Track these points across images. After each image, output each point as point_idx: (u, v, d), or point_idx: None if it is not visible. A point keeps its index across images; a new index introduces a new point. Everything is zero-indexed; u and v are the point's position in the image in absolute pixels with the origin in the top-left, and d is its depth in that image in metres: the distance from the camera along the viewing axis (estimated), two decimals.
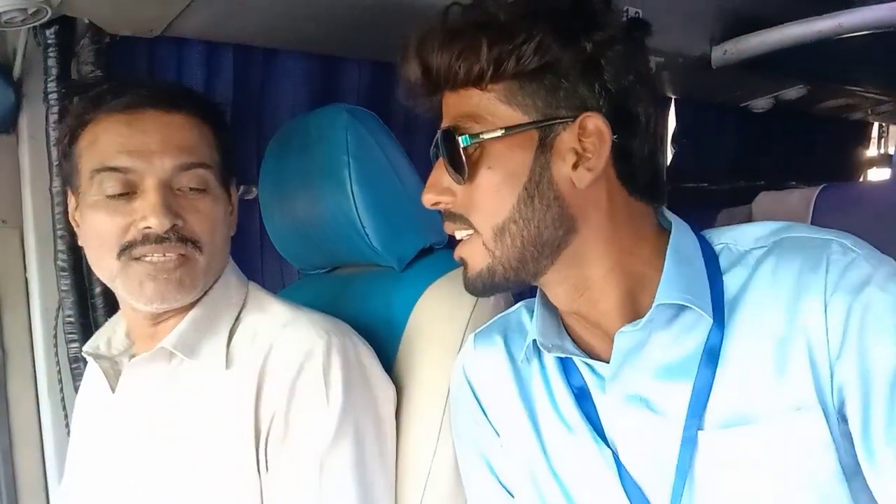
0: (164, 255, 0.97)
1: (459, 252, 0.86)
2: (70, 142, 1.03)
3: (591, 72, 0.79)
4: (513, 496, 0.94)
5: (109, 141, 0.98)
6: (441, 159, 0.83)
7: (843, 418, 0.74)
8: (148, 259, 0.97)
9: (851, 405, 0.73)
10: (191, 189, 1.00)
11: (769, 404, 0.75)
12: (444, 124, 0.83)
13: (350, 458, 0.97)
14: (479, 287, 0.85)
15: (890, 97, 2.58)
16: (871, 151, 3.44)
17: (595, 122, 0.79)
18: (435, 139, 0.84)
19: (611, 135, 0.79)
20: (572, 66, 0.79)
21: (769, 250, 0.80)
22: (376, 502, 1.01)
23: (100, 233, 0.99)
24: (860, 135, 3.26)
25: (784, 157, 2.72)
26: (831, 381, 0.73)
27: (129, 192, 0.98)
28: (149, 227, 0.96)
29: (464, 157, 0.80)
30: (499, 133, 0.79)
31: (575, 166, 0.79)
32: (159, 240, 0.97)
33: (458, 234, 0.86)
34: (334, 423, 0.96)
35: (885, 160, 3.47)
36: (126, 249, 0.97)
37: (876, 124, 3.39)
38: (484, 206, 0.81)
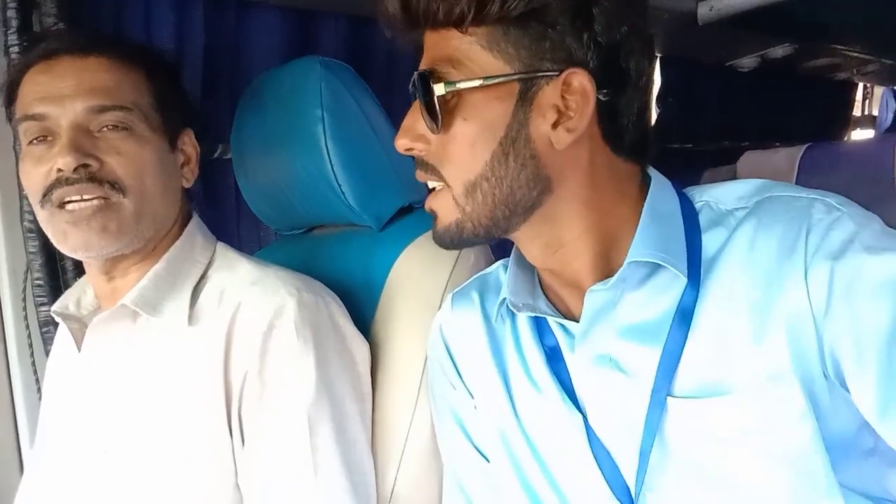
0: (82, 198, 0.94)
1: (430, 203, 0.82)
2: (8, 103, 1.01)
3: (580, 22, 0.74)
4: (487, 460, 0.93)
5: (28, 91, 0.97)
6: (416, 103, 0.78)
7: (840, 382, 0.71)
8: (69, 207, 0.94)
9: (849, 365, 0.69)
10: (110, 130, 0.97)
11: (743, 373, 0.72)
12: (422, 66, 0.78)
13: (329, 415, 0.95)
14: (447, 241, 0.82)
15: (875, 57, 2.57)
16: (856, 112, 3.44)
17: (580, 80, 0.74)
18: (413, 78, 0.79)
19: (595, 94, 0.75)
20: (561, 14, 0.73)
21: (751, 211, 0.77)
22: (359, 461, 0.99)
23: (28, 183, 0.98)
24: (845, 95, 3.25)
25: (769, 118, 2.70)
26: (820, 346, 0.70)
27: (47, 139, 0.96)
28: (61, 170, 0.94)
29: (438, 106, 0.75)
30: (477, 83, 0.74)
31: (555, 125, 0.75)
32: (71, 181, 0.94)
33: (430, 184, 0.82)
34: (313, 378, 0.95)
35: (870, 121, 3.48)
36: (46, 195, 0.95)
37: (861, 85, 3.39)
38: (456, 160, 0.77)
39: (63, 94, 0.95)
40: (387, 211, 1.18)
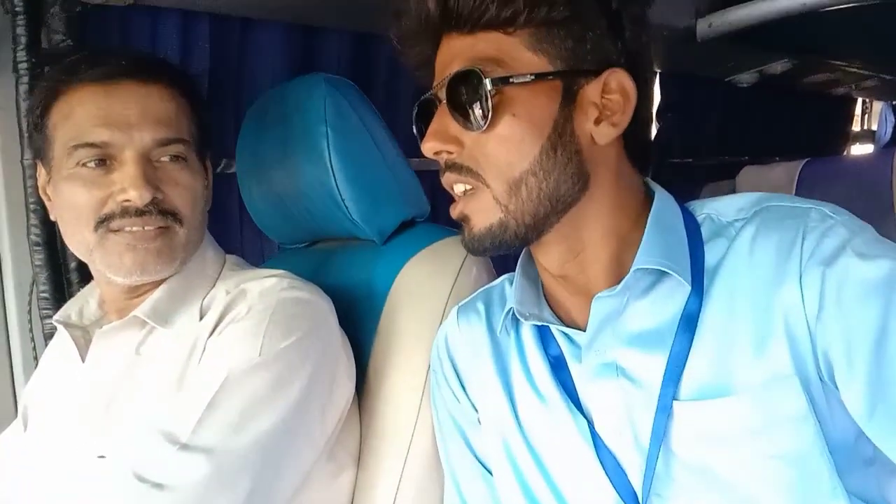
0: (144, 228, 0.97)
1: (462, 208, 0.82)
2: (42, 113, 1.00)
3: (615, 28, 0.78)
4: (490, 472, 0.94)
5: (86, 113, 0.96)
6: (444, 107, 0.79)
7: (834, 385, 0.72)
8: (127, 230, 0.96)
9: (839, 367, 0.71)
10: (170, 161, 0.99)
11: (746, 376, 0.74)
12: (457, 67, 0.79)
13: (253, 391, 0.90)
14: (487, 244, 0.81)
15: (874, 72, 2.58)
16: (855, 127, 3.46)
17: (619, 79, 0.78)
18: (434, 86, 0.80)
19: (635, 92, 0.78)
20: (598, 19, 0.78)
21: (749, 221, 0.79)
22: (272, 448, 0.91)
23: (75, 205, 0.97)
24: (844, 111, 3.27)
25: (769, 132, 2.72)
26: (814, 349, 0.72)
27: (106, 164, 0.96)
28: (128, 201, 0.95)
29: (488, 102, 0.76)
30: (529, 78, 0.76)
31: (597, 122, 0.78)
32: (139, 213, 0.96)
33: (459, 188, 0.82)
34: (256, 354, 0.91)
35: (869, 136, 3.49)
36: (104, 222, 0.96)
37: (860, 100, 3.40)
38: (501, 158, 0.78)
39: (129, 121, 0.95)
40: (389, 224, 1.19)
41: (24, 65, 1.22)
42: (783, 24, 1.72)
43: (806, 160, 1.94)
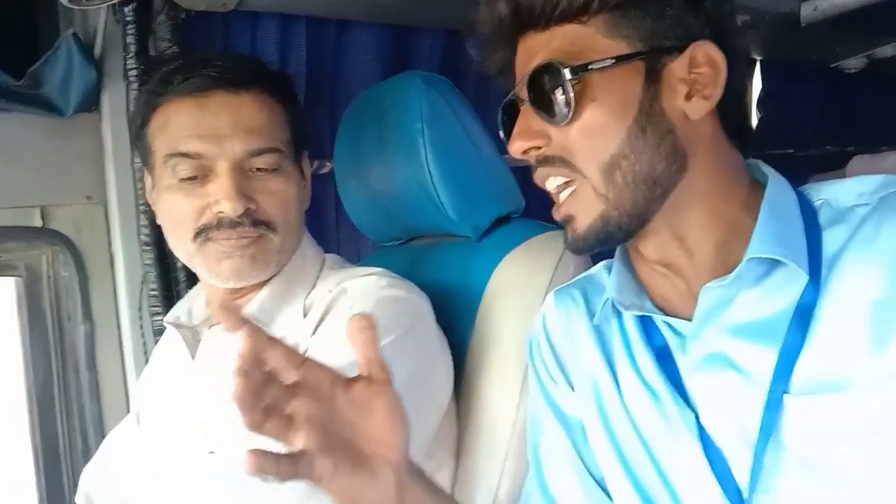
0: (238, 239, 1.00)
1: (565, 210, 0.80)
2: (142, 124, 1.04)
3: (693, 0, 0.77)
4: (581, 458, 0.92)
5: (180, 125, 0.99)
6: (527, 106, 0.79)
7: None
8: (223, 237, 0.99)
9: None
10: (263, 170, 1.01)
11: (864, 371, 0.70)
12: (535, 64, 0.78)
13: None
14: (592, 241, 0.79)
15: None
16: None
17: (706, 51, 0.76)
18: (516, 86, 0.80)
19: (725, 62, 0.76)
20: None
21: (874, 208, 0.74)
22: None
23: (175, 215, 1.01)
24: None
25: (877, 122, 2.58)
26: None
27: (201, 175, 0.99)
28: (222, 212, 0.98)
29: (569, 92, 0.75)
30: (608, 63, 0.75)
31: (688, 97, 0.76)
32: (233, 224, 0.99)
33: (553, 183, 0.81)
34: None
35: None
36: (201, 232, 1.00)
37: None
38: (590, 142, 0.76)
39: (221, 133, 0.98)
40: (484, 221, 1.19)
41: (134, 72, 1.29)
42: (893, 5, 1.63)
43: None
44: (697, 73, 0.76)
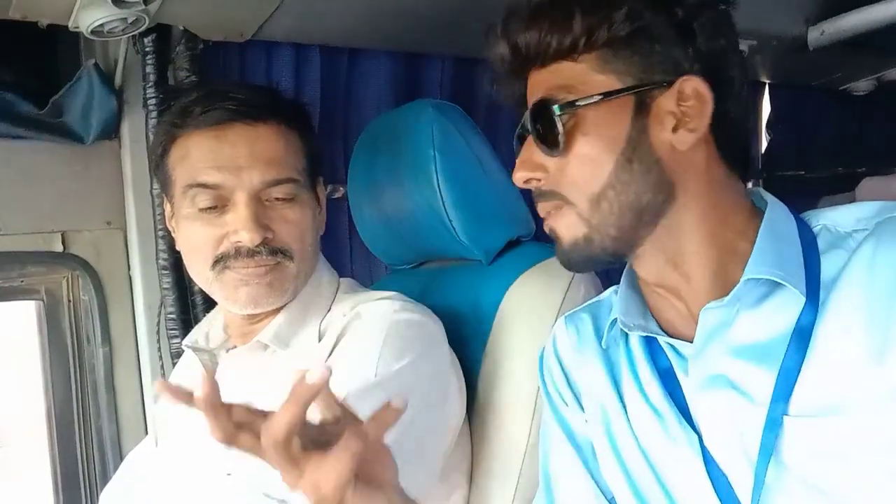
0: (257, 267, 1.02)
1: (550, 223, 0.84)
2: (162, 154, 1.07)
3: (683, 35, 0.78)
4: (594, 477, 0.93)
5: (199, 157, 1.02)
6: (531, 137, 0.82)
7: None
8: (240, 265, 1.01)
9: None
10: (280, 199, 1.03)
11: (863, 391, 0.71)
12: (535, 99, 0.82)
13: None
14: (575, 259, 0.83)
15: None
16: None
17: (693, 85, 0.78)
18: (522, 120, 0.83)
19: (712, 96, 0.78)
20: (665, 30, 0.78)
21: (871, 233, 0.76)
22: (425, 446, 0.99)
23: (194, 244, 1.04)
24: None
25: (887, 142, 2.58)
26: None
27: (220, 206, 1.01)
28: (240, 242, 1.00)
29: (559, 126, 0.79)
30: (595, 99, 0.78)
31: (675, 129, 0.78)
32: (251, 253, 1.01)
33: (545, 209, 0.84)
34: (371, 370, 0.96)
35: None
36: (219, 261, 1.02)
37: None
38: (579, 176, 0.79)
39: (239, 164, 1.00)
40: (495, 244, 1.21)
41: (153, 100, 1.32)
42: None
43: None
44: (685, 106, 0.78)
